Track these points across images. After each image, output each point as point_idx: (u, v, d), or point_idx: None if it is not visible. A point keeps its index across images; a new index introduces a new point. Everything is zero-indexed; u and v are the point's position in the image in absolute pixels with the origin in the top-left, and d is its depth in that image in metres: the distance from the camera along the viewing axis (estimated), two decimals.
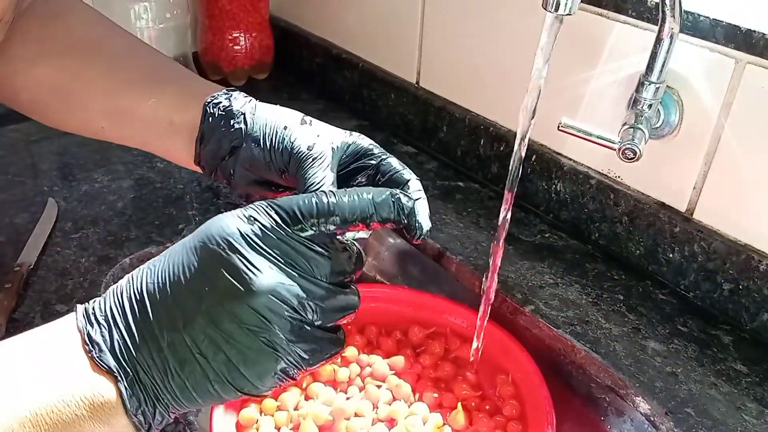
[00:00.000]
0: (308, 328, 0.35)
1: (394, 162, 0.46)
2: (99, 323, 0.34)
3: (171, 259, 0.35)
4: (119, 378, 0.33)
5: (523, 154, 0.52)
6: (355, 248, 0.38)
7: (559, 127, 0.62)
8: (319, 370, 0.63)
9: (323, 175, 0.43)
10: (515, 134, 0.52)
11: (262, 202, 0.36)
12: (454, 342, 0.67)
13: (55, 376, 0.33)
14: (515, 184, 0.52)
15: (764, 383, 0.58)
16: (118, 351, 0.34)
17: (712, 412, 0.55)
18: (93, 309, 0.35)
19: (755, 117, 0.58)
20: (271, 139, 0.46)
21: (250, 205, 0.36)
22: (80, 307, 0.35)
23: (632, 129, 0.59)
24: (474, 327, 0.62)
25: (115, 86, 0.54)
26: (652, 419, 0.56)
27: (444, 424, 0.57)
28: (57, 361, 0.34)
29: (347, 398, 0.60)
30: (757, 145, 0.59)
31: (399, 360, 0.64)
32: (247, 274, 0.33)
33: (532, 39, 0.50)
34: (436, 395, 0.62)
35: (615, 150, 0.59)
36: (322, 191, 0.37)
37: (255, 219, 0.35)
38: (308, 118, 0.47)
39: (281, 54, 1.09)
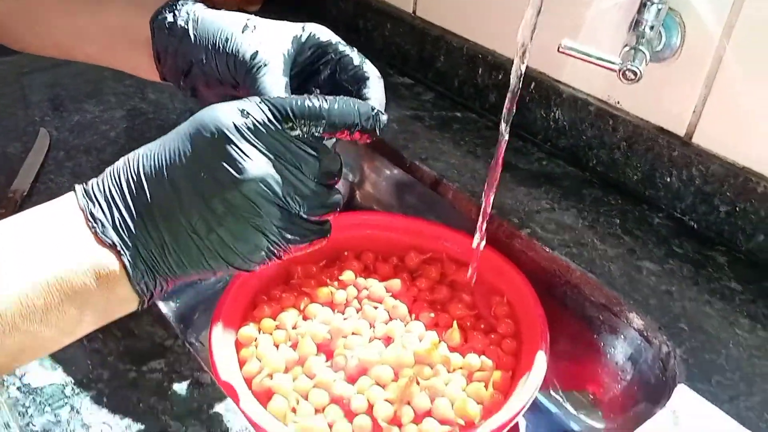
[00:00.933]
0: (295, 217, 0.37)
1: (354, 57, 0.46)
2: (99, 202, 0.36)
3: (166, 145, 0.37)
4: (122, 251, 0.35)
5: (524, 70, 0.51)
6: (338, 156, 0.40)
7: (559, 48, 0.61)
8: (317, 292, 0.63)
9: (272, 82, 0.42)
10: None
11: (255, 97, 0.37)
12: (450, 267, 0.67)
13: (62, 248, 0.35)
14: (517, 92, 0.51)
15: (758, 301, 0.59)
16: (119, 227, 0.35)
17: (706, 327, 0.56)
18: (92, 188, 0.36)
19: (757, 39, 0.57)
20: (215, 52, 0.45)
21: (244, 99, 0.37)
22: (79, 187, 0.37)
23: (633, 50, 0.58)
24: (469, 252, 0.62)
25: (72, 6, 0.53)
26: (645, 334, 0.57)
27: (440, 342, 0.58)
28: (62, 236, 0.35)
29: (344, 319, 0.61)
30: (759, 68, 0.58)
31: (395, 283, 0.64)
32: (240, 163, 0.35)
33: None
34: (432, 315, 0.62)
35: (615, 71, 0.58)
36: (315, 96, 0.38)
37: (248, 113, 0.36)
38: (252, 23, 0.46)
39: None
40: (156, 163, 0.36)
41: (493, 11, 0.78)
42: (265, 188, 0.36)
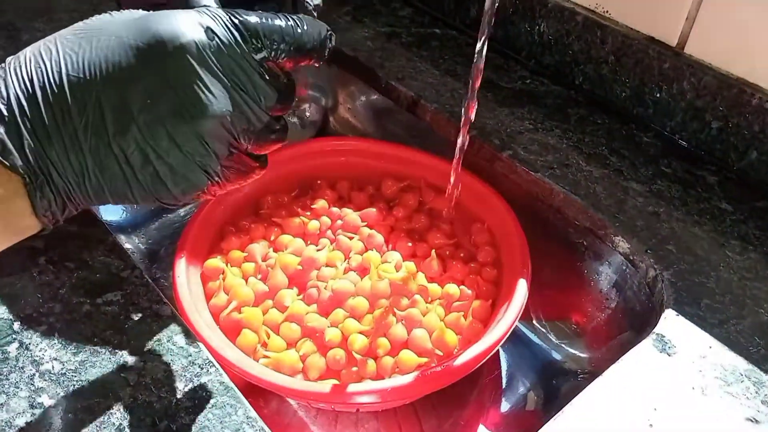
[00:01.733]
0: (242, 153, 0.34)
1: None
2: (2, 116, 0.29)
3: (101, 51, 0.30)
4: (28, 181, 0.29)
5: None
6: (293, 81, 0.34)
7: None
8: (287, 222, 0.60)
9: None
10: None
11: (221, 10, 0.31)
12: (429, 194, 0.64)
13: None
14: (493, 11, 0.46)
15: (749, 221, 0.56)
16: (28, 150, 0.29)
17: (695, 248, 0.53)
18: None
19: None
20: None
21: (207, 11, 0.31)
22: None
23: None
24: (449, 178, 0.58)
25: None
26: (631, 258, 0.54)
27: (417, 271, 0.55)
28: None
29: (318, 250, 0.58)
30: None
31: (371, 212, 0.61)
32: (200, 97, 0.30)
33: None
34: (409, 245, 0.59)
35: None
36: (283, 14, 0.33)
37: (214, 32, 0.30)
38: None
39: None
40: (85, 72, 0.29)
41: None
42: (223, 127, 0.31)
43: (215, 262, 0.56)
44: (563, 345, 0.61)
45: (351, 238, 0.59)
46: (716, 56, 0.59)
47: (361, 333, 0.51)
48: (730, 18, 0.56)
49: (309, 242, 0.59)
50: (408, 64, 0.72)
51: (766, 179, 0.58)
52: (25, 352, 0.43)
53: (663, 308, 0.49)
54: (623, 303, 0.56)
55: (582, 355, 0.60)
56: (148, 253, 0.70)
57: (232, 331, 0.51)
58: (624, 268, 0.55)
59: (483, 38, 0.47)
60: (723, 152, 0.61)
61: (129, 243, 0.70)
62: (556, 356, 0.62)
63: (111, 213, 0.72)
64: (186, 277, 0.52)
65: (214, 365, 0.43)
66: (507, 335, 0.48)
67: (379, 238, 0.59)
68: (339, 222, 0.61)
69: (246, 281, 0.55)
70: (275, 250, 0.58)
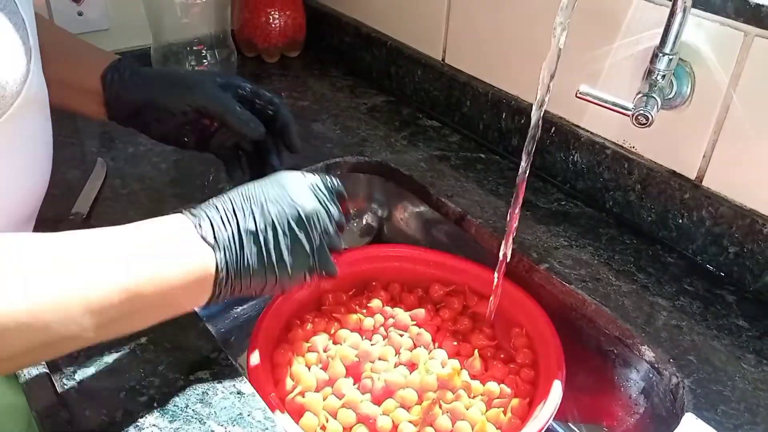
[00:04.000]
0: (325, 247, 0.53)
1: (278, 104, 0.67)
2: (201, 216, 0.49)
3: (257, 186, 0.52)
4: (215, 249, 0.47)
5: (541, 115, 0.56)
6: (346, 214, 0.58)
7: (577, 94, 0.66)
8: (346, 318, 0.68)
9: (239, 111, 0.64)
10: None
11: (322, 174, 0.56)
12: (472, 299, 0.71)
13: (168, 245, 0.46)
14: (536, 138, 0.56)
15: (764, 338, 0.62)
16: (216, 232, 0.48)
17: (713, 360, 0.59)
18: (191, 211, 0.50)
19: (762, 88, 0.62)
20: (171, 90, 0.64)
21: (313, 174, 0.55)
22: (184, 212, 0.50)
23: (646, 97, 0.63)
24: (491, 286, 0.66)
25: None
26: (656, 366, 0.60)
27: (461, 369, 0.62)
28: (168, 235, 0.47)
29: (372, 344, 0.65)
30: (764, 115, 0.63)
31: (420, 312, 0.69)
32: (310, 200, 0.52)
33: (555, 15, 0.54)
34: (454, 344, 0.66)
35: (629, 116, 0.63)
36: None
37: (320, 182, 0.55)
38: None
39: (313, 32, 1.14)
40: (251, 194, 0.51)
41: (517, 59, 0.84)
42: (317, 220, 0.52)
43: (283, 351, 0.64)
44: None
45: (401, 335, 0.66)
46: (730, 189, 0.67)
47: (410, 422, 0.58)
48: (742, 156, 0.65)
49: (364, 337, 0.67)
50: (456, 184, 0.82)
51: None
52: (129, 418, 0.51)
53: (684, 412, 0.54)
54: (650, 407, 0.62)
55: None
56: (221, 339, 0.79)
57: (296, 413, 0.58)
58: (650, 375, 0.61)
59: (526, 163, 0.57)
60: (740, 274, 0.67)
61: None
62: None
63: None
64: (259, 364, 0.60)
65: None
66: (543, 431, 0.54)
67: (427, 336, 0.66)
68: (391, 320, 0.68)
69: (309, 369, 0.63)
70: (335, 343, 0.66)
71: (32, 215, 0.56)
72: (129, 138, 0.87)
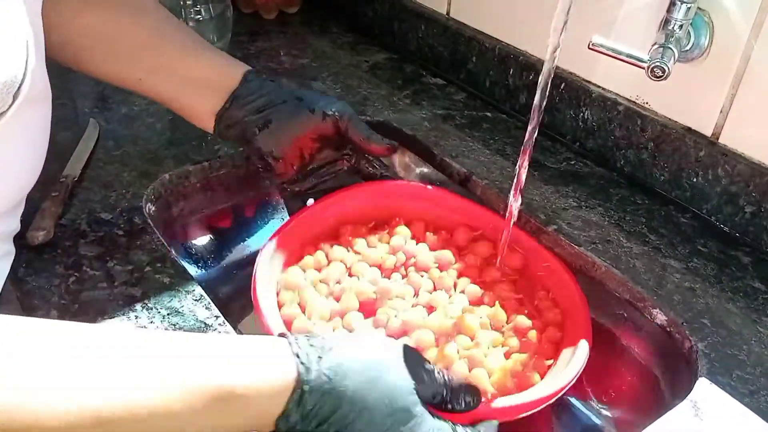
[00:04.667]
0: None
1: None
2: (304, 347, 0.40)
3: (367, 355, 0.41)
4: (301, 374, 0.38)
5: (553, 66, 0.53)
6: None
7: (589, 45, 0.62)
8: (368, 252, 0.63)
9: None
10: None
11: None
12: (500, 250, 0.64)
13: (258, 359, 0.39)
14: (548, 84, 0.53)
15: None
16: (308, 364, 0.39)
17: (728, 323, 0.57)
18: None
19: None
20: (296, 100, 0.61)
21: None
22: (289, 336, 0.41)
23: (662, 48, 0.60)
24: (517, 239, 0.63)
25: (160, 43, 0.61)
26: (668, 330, 0.58)
27: (482, 317, 0.58)
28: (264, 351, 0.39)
29: (390, 281, 0.61)
30: None
31: (445, 254, 0.64)
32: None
33: None
34: (479, 292, 0.61)
35: (644, 68, 0.60)
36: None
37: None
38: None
39: None
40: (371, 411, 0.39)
41: (525, 13, 0.80)
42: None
43: (295, 273, 0.60)
44: (603, 409, 0.65)
45: (422, 276, 0.62)
46: (748, 146, 0.64)
47: None
48: (761, 112, 0.62)
49: (383, 275, 0.62)
50: (461, 144, 0.79)
51: None
52: None
53: (697, 377, 0.52)
54: (660, 371, 0.60)
55: (621, 417, 0.63)
56: (220, 306, 0.77)
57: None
58: (661, 338, 0.59)
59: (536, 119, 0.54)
60: (756, 235, 0.65)
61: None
62: (596, 420, 0.65)
63: (194, 269, 0.79)
64: (265, 287, 0.57)
65: None
66: (565, 389, 0.51)
67: (449, 280, 0.61)
68: (412, 260, 0.64)
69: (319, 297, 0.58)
70: (350, 275, 0.62)
71: (22, 200, 0.55)
72: (122, 98, 0.84)
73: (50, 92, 0.52)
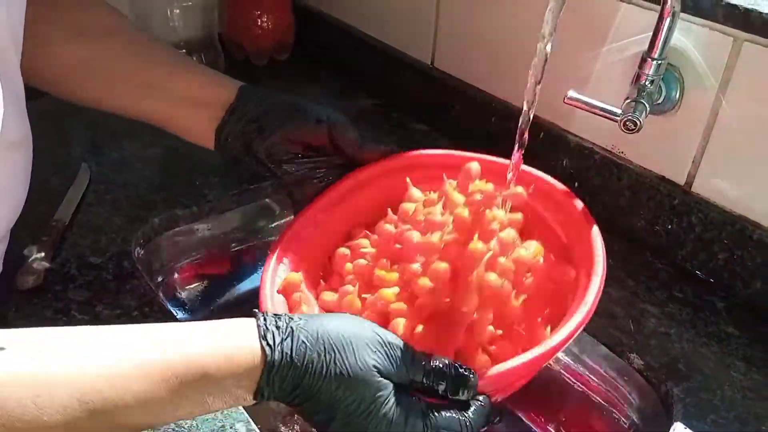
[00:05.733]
0: None
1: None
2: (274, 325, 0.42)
3: (334, 334, 0.42)
4: (268, 355, 0.40)
5: (531, 117, 0.56)
6: None
7: (565, 99, 0.65)
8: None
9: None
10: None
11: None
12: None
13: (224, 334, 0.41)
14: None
15: (754, 345, 0.61)
16: (279, 340, 0.41)
17: (703, 368, 0.59)
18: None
19: (751, 93, 0.61)
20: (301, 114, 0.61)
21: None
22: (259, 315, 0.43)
23: (634, 102, 0.62)
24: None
25: (146, 65, 0.62)
26: (645, 374, 0.60)
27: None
28: (230, 328, 0.42)
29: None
30: (753, 121, 0.62)
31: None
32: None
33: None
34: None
35: (617, 121, 0.62)
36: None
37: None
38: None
39: (301, 35, 1.13)
40: (340, 376, 0.41)
41: (506, 64, 0.84)
42: None
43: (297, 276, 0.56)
44: None
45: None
46: (720, 195, 0.66)
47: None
48: (731, 162, 0.65)
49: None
50: None
51: None
52: None
53: (673, 421, 0.54)
54: (639, 415, 0.61)
55: None
56: None
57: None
58: (639, 382, 0.61)
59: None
60: (730, 280, 0.67)
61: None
62: None
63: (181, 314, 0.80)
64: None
65: None
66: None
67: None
68: None
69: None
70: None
71: (3, 240, 0.55)
72: (114, 144, 0.86)
73: (30, 138, 0.53)
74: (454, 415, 0.43)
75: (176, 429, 0.50)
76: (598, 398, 0.65)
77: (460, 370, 0.44)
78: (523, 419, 0.68)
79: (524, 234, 0.55)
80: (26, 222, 0.56)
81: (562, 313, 0.51)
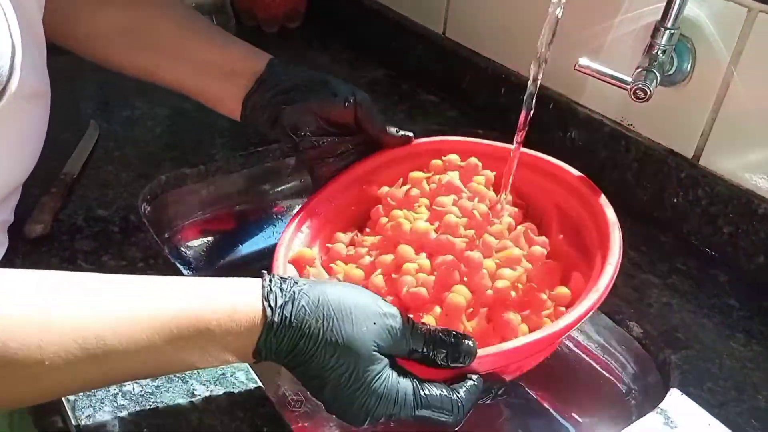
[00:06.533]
0: None
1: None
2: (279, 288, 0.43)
3: (350, 297, 0.43)
4: (268, 316, 0.41)
5: (536, 88, 0.56)
6: None
7: (575, 66, 0.65)
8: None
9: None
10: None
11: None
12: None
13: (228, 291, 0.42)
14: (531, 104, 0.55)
15: (755, 317, 0.61)
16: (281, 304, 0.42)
17: (702, 337, 0.59)
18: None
19: (764, 66, 0.61)
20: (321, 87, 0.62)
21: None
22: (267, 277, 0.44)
23: (645, 71, 0.62)
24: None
25: (183, 33, 0.63)
26: (644, 342, 0.60)
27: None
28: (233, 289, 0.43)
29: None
30: (764, 95, 0.62)
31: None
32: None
33: None
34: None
35: (627, 89, 0.62)
36: None
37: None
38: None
39: (313, 3, 1.13)
40: (337, 341, 0.42)
41: (518, 34, 0.83)
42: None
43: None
44: (577, 417, 0.66)
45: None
46: (727, 169, 0.66)
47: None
48: (740, 136, 0.64)
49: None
50: None
51: None
52: None
53: (669, 387, 0.54)
54: (635, 381, 0.61)
55: (591, 426, 0.65)
56: None
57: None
58: (637, 350, 0.61)
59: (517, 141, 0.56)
60: (734, 254, 0.67)
61: None
62: (570, 428, 0.66)
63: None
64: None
65: (268, 399, 0.50)
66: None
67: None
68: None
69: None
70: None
71: (13, 193, 0.56)
72: (125, 101, 0.86)
73: (49, 92, 0.54)
74: (445, 393, 0.44)
75: (177, 374, 0.51)
76: (596, 365, 0.65)
77: (460, 337, 0.44)
78: (519, 381, 0.68)
79: (542, 222, 0.59)
80: (35, 174, 0.56)
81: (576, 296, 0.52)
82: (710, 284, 0.65)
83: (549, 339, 0.47)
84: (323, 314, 0.42)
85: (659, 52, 0.63)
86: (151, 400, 0.49)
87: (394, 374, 0.43)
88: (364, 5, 1.06)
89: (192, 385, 0.51)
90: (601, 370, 0.65)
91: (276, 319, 0.41)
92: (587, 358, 0.66)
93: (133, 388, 0.50)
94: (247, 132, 0.81)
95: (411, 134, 0.65)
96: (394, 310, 0.44)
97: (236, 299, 0.42)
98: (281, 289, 0.42)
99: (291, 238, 0.58)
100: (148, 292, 0.41)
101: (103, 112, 0.84)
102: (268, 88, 0.61)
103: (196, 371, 0.51)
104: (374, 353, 0.42)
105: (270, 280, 0.43)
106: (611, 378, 0.64)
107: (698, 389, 0.54)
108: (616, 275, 0.51)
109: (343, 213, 0.63)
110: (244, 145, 0.80)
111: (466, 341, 0.44)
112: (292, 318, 0.41)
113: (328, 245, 0.60)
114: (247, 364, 0.53)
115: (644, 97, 0.61)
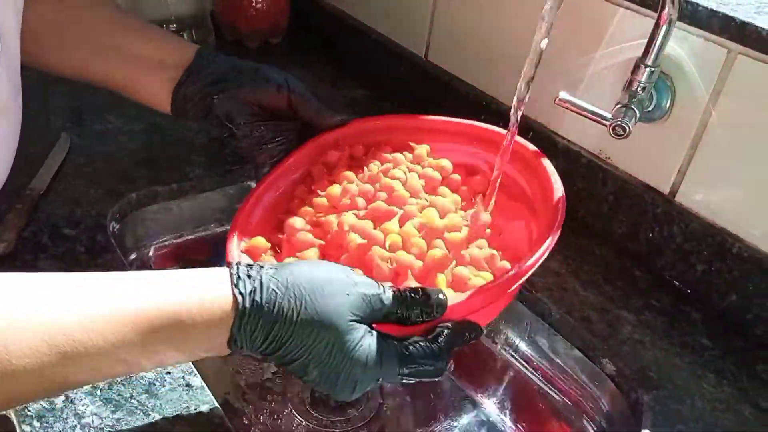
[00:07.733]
0: None
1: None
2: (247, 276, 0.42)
3: (318, 310, 0.42)
4: (240, 303, 0.41)
5: (518, 117, 0.55)
6: None
7: (556, 100, 0.65)
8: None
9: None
10: None
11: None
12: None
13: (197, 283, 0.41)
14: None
15: (726, 357, 0.61)
16: (249, 290, 0.41)
17: (674, 377, 0.59)
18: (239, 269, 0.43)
19: (742, 107, 0.61)
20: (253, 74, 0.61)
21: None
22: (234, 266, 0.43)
23: (624, 108, 0.62)
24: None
25: (113, 28, 0.62)
26: (616, 380, 0.60)
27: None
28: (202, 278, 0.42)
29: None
30: (741, 135, 0.62)
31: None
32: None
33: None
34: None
35: (606, 126, 0.62)
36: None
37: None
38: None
39: (296, 19, 1.12)
40: (309, 322, 0.41)
41: (500, 62, 0.83)
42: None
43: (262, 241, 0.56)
44: None
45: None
46: (703, 207, 0.66)
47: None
48: (716, 175, 0.65)
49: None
50: None
51: (744, 321, 0.64)
52: (70, 405, 0.49)
53: (641, 429, 0.54)
54: (608, 420, 0.61)
55: None
56: None
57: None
58: (610, 388, 0.61)
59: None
60: (707, 292, 0.67)
61: None
62: None
63: None
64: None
65: None
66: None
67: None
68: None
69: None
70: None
71: None
72: (97, 115, 0.84)
73: (20, 107, 0.52)
74: (426, 344, 0.44)
75: (139, 407, 0.49)
76: (568, 401, 0.65)
77: (429, 292, 0.45)
78: (491, 416, 0.68)
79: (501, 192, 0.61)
80: (2, 189, 0.54)
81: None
82: (683, 321, 0.65)
83: (514, 279, 0.49)
84: (294, 294, 0.41)
85: (639, 89, 0.63)
86: None
87: (374, 339, 0.43)
88: (347, 24, 1.05)
89: (153, 418, 0.49)
90: (572, 406, 0.64)
91: (247, 305, 0.41)
92: (560, 395, 0.66)
93: (92, 421, 0.48)
94: (224, 150, 0.80)
95: (346, 117, 0.64)
96: (366, 279, 0.44)
97: (206, 289, 0.41)
98: (249, 276, 0.42)
99: (242, 229, 0.56)
100: (115, 288, 0.40)
101: (75, 125, 0.82)
102: (198, 78, 0.60)
103: (159, 404, 0.50)
104: (351, 323, 0.42)
105: (237, 268, 0.42)
106: (583, 415, 0.63)
107: (670, 431, 0.53)
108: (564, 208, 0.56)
109: (289, 200, 0.62)
110: (220, 163, 0.78)
111: (436, 294, 0.45)
112: (263, 302, 0.41)
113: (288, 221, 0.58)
114: (211, 397, 0.51)
115: (623, 134, 0.61)
